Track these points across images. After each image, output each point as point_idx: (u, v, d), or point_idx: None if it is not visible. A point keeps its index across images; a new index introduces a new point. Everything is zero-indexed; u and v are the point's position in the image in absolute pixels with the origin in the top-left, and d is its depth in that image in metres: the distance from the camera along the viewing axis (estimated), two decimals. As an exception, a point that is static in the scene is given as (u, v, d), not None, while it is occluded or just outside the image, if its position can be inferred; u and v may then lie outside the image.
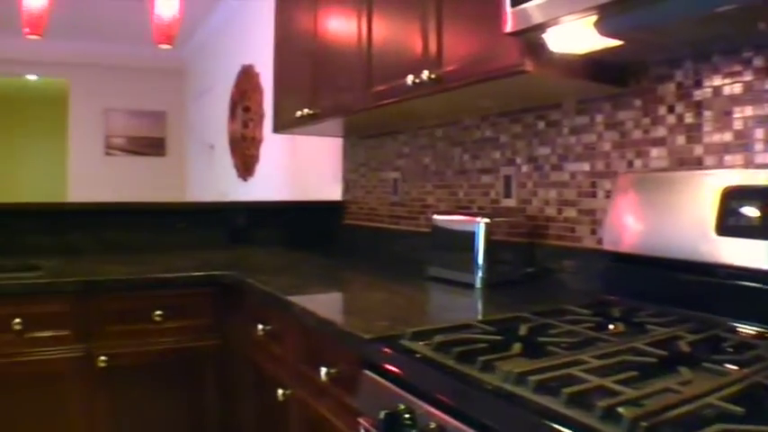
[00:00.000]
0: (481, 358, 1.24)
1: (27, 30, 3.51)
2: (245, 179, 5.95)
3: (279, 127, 3.61)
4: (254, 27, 5.84)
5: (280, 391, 2.17)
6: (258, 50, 5.69)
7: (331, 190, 4.12)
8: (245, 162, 5.84)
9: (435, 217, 2.61)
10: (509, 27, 1.73)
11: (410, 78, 2.26)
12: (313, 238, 3.92)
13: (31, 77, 10.00)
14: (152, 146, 9.02)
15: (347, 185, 3.96)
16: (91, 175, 8.75)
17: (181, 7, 3.72)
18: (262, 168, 5.56)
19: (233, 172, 6.33)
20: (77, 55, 8.40)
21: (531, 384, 1.10)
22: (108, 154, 8.88)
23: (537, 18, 1.65)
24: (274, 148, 5.19)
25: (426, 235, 2.89)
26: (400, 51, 2.46)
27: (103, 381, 2.66)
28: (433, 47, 2.23)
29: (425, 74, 2.20)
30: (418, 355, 1.36)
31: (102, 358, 2.63)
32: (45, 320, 2.60)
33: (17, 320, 2.55)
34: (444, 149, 3.06)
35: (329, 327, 1.81)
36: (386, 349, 1.47)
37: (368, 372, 1.52)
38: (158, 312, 2.72)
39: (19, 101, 12.67)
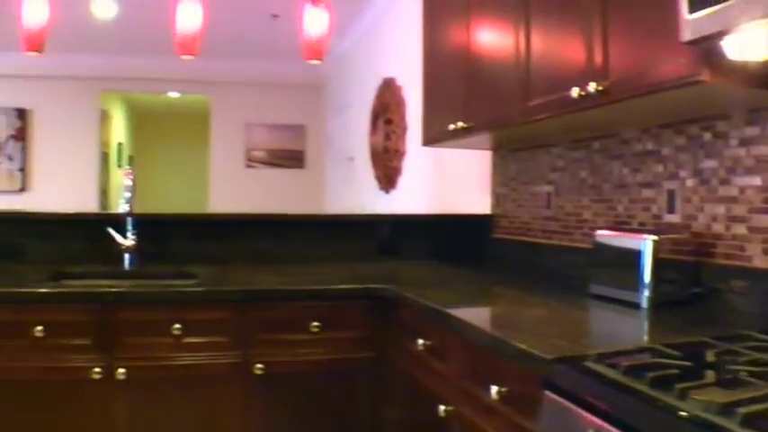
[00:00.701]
0: (678, 385, 1.20)
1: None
2: (386, 191, 6.01)
3: (429, 140, 3.64)
4: (395, 40, 5.90)
5: (441, 408, 2.17)
6: (400, 63, 5.75)
7: (478, 203, 4.09)
8: (388, 174, 5.90)
9: (598, 233, 2.56)
10: (686, 36, 1.67)
11: (575, 91, 2.23)
12: (461, 251, 3.91)
13: (174, 95, 10.44)
14: (291, 158, 9.26)
15: (497, 199, 3.93)
16: (231, 187, 9.06)
17: (330, 24, 3.81)
18: (404, 181, 5.60)
19: (374, 184, 6.40)
20: (218, 73, 8.72)
21: (738, 417, 1.05)
22: (249, 166, 9.17)
23: (717, 25, 1.58)
24: (418, 160, 5.22)
25: (583, 251, 2.85)
26: (562, 63, 2.42)
27: (259, 388, 2.75)
28: (598, 58, 2.18)
29: (592, 86, 2.15)
30: (608, 379, 1.33)
31: (259, 366, 2.72)
32: (204, 327, 2.73)
33: (177, 326, 2.68)
34: (602, 162, 3.00)
35: (501, 344, 1.79)
36: (571, 371, 1.45)
37: (551, 393, 1.50)
38: (315, 323, 2.77)
39: (163, 116, 13.27)
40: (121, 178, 11.71)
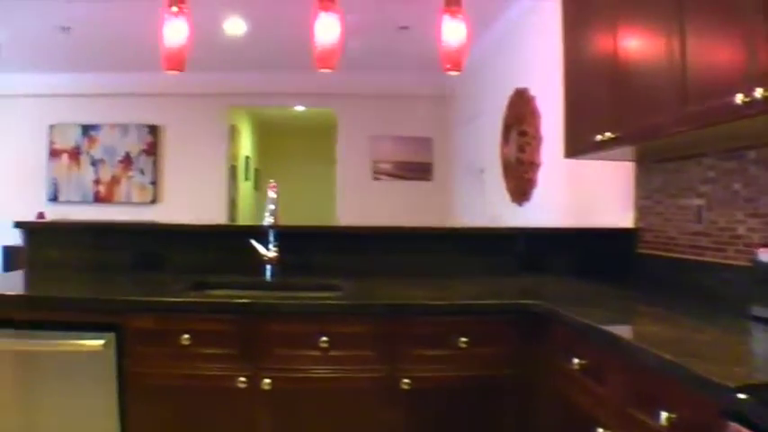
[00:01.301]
0: None
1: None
2: (519, 204, 5.94)
3: (572, 152, 3.56)
4: (528, 51, 5.85)
5: (600, 431, 2.11)
6: (532, 73, 5.69)
7: (618, 217, 3.99)
8: (521, 186, 5.83)
9: (761, 251, 2.45)
10: None
11: (739, 97, 2.13)
12: (603, 267, 3.80)
13: (299, 108, 10.64)
14: (418, 170, 9.29)
15: (640, 212, 3.81)
16: (358, 200, 9.16)
17: (468, 32, 3.79)
18: (539, 193, 5.52)
19: (505, 196, 6.34)
20: (344, 86, 8.83)
21: None
22: (375, 179, 9.24)
23: None
24: (553, 172, 5.14)
25: (737, 269, 2.73)
26: (722, 67, 2.32)
27: (404, 403, 2.75)
28: (763, 61, 2.09)
29: (759, 91, 2.05)
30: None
31: (406, 380, 2.72)
32: (350, 340, 2.75)
33: (324, 339, 2.71)
34: (758, 173, 2.86)
35: (674, 368, 1.72)
36: (759, 401, 1.38)
37: (737, 425, 1.43)
38: (463, 339, 2.75)
39: (288, 130, 13.54)
40: (249, 191, 12.04)
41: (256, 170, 13.37)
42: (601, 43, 3.27)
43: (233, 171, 10.24)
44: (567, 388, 2.51)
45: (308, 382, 2.74)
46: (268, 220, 3.47)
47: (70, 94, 9.54)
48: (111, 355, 2.78)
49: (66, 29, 7.12)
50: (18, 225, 3.92)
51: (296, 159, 13.86)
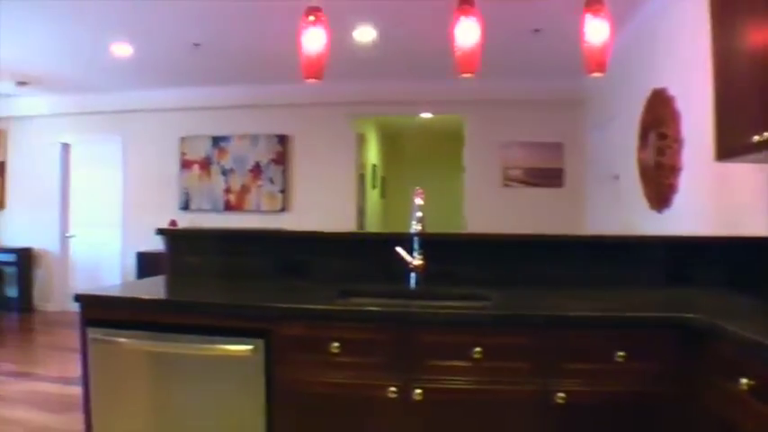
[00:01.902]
0: None
1: (460, 69, 3.68)
2: (659, 211, 5.73)
3: (724, 154, 3.37)
4: (666, 49, 5.64)
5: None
6: (671, 72, 5.48)
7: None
8: (660, 192, 5.62)
9: None
10: None
11: None
12: (755, 279, 3.57)
13: (426, 115, 10.63)
14: (549, 177, 9.12)
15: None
16: (487, 207, 9.06)
17: (611, 32, 3.68)
18: (680, 199, 5.31)
19: (642, 203, 6.13)
20: (472, 92, 8.76)
21: None
22: (505, 185, 9.12)
23: None
24: (697, 177, 4.93)
25: None
26: None
27: (558, 418, 2.67)
28: None
29: None
30: None
31: (561, 395, 2.64)
32: (502, 352, 2.69)
33: (477, 349, 2.66)
34: None
35: None
36: None
37: None
38: (621, 353, 2.65)
39: (414, 137, 13.58)
40: (376, 199, 12.12)
41: (383, 178, 13.46)
42: (757, 33, 3.06)
43: (361, 179, 10.33)
44: (729, 409, 2.34)
45: (460, 394, 2.70)
46: (415, 227, 3.45)
47: (200, 108, 9.91)
48: (260, 361, 2.83)
49: (197, 45, 7.34)
50: (160, 232, 4.04)
51: (422, 167, 13.88)
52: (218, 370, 2.89)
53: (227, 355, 2.86)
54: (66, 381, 6.66)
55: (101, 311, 3.13)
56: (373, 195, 12.09)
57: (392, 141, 14.09)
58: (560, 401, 2.63)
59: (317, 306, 2.85)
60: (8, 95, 10.56)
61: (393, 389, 2.70)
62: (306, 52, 3.89)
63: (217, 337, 2.88)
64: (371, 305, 2.97)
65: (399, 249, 3.48)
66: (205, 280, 3.80)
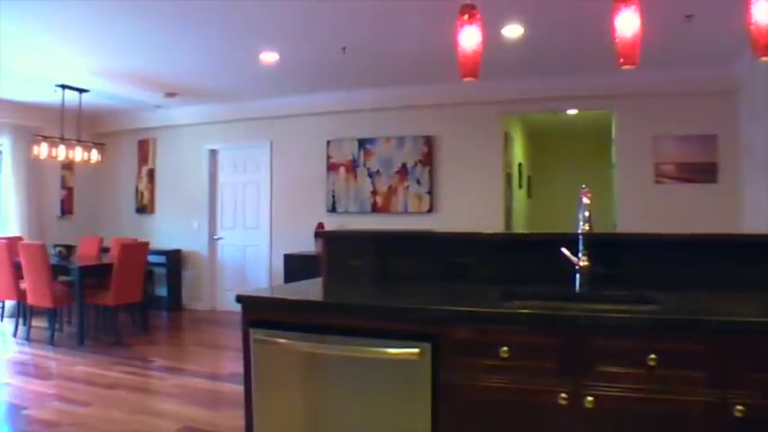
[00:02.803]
0: None
1: (621, 60, 3.58)
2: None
3: None
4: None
5: None
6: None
7: None
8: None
9: None
10: None
11: None
12: None
13: (572, 112, 10.43)
14: (702, 172, 8.74)
15: None
16: (639, 204, 8.79)
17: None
18: None
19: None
20: (621, 85, 8.55)
21: None
22: (657, 182, 8.82)
23: None
24: None
25: None
26: None
27: (736, 432, 2.53)
28: None
29: None
30: None
31: (739, 407, 2.48)
32: (680, 359, 2.56)
33: (652, 356, 2.56)
34: None
35: None
36: None
37: None
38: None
39: (559, 134, 13.39)
40: (522, 199, 12.01)
41: (528, 177, 13.31)
42: None
43: (508, 179, 10.24)
44: None
45: (633, 403, 2.60)
46: (582, 227, 3.38)
47: (346, 111, 10.10)
48: (427, 364, 2.83)
49: (343, 48, 7.44)
50: (317, 235, 4.12)
51: (568, 164, 13.65)
52: (383, 373, 2.91)
53: (393, 358, 2.87)
54: (215, 377, 6.96)
55: (263, 312, 3.23)
56: (519, 195, 11.96)
57: (537, 139, 13.92)
58: (739, 414, 2.48)
59: (487, 309, 2.82)
60: (157, 107, 11.07)
61: (564, 395, 2.64)
62: (462, 51, 3.90)
63: (380, 340, 2.90)
64: (541, 308, 2.90)
65: (564, 250, 3.41)
66: (364, 282, 3.83)
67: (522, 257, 3.68)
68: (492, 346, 2.74)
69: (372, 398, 2.94)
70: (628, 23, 3.59)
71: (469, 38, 3.88)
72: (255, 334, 3.18)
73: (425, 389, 2.84)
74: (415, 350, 2.83)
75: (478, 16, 3.91)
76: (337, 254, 4.07)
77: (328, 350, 3.01)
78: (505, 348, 2.71)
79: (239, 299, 3.28)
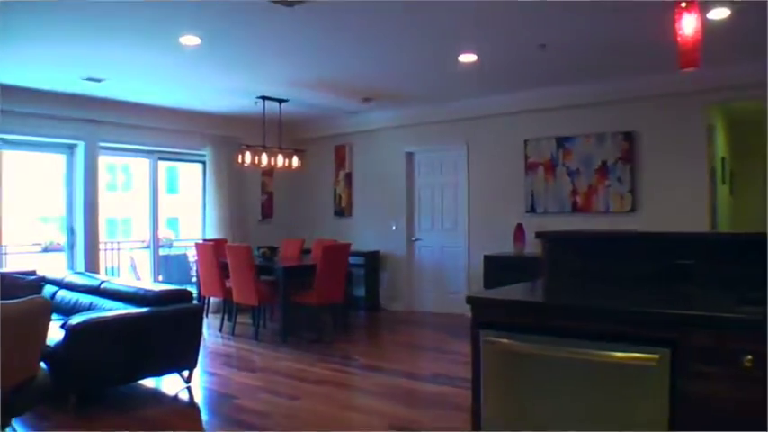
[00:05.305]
0: None
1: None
2: None
3: None
4: None
5: None
6: None
7: None
8: None
9: None
10: None
11: None
12: None
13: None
14: None
15: None
16: None
17: None
18: None
19: None
20: None
21: None
22: None
23: None
24: None
25: None
26: None
27: None
28: None
29: None
30: None
31: None
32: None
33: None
34: None
35: None
36: None
37: None
38: None
39: (763, 125, 12.63)
40: (725, 195, 11.43)
41: (731, 172, 12.63)
42: None
43: (712, 174, 9.74)
44: None
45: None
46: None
47: (544, 109, 9.92)
48: (666, 371, 2.72)
49: (542, 46, 7.31)
50: (538, 235, 4.07)
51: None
52: (615, 378, 2.84)
53: (627, 363, 2.79)
54: (415, 377, 7.08)
55: (491, 314, 3.20)
56: (723, 192, 11.37)
57: (739, 131, 13.17)
58: None
59: (728, 314, 2.67)
60: (354, 112, 11.34)
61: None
62: (682, 40, 3.77)
63: (613, 344, 2.82)
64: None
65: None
66: (588, 284, 3.75)
67: (753, 259, 3.45)
68: (733, 354, 2.60)
69: (603, 404, 2.88)
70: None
71: (689, 26, 3.75)
72: (486, 335, 3.18)
73: (663, 397, 2.73)
74: (654, 355, 2.72)
75: (696, 3, 3.78)
76: (556, 255, 4.01)
77: (562, 353, 2.98)
78: (749, 357, 2.56)
79: (469, 300, 3.29)
